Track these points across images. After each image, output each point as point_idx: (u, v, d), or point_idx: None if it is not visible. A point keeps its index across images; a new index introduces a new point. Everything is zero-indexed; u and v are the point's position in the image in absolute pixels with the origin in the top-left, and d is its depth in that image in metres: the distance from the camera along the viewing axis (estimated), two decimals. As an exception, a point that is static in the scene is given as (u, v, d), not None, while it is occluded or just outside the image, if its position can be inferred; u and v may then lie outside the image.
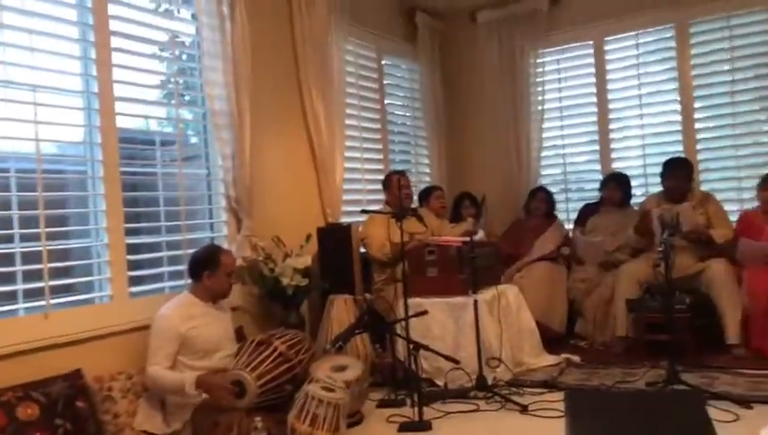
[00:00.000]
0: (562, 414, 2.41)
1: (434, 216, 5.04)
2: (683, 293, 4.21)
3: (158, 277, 3.63)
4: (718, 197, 4.78)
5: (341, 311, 4.08)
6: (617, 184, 5.20)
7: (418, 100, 6.01)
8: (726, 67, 5.13)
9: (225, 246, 3.90)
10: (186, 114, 4.04)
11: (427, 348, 3.59)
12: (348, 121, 4.97)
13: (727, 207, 4.77)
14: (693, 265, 4.45)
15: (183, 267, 3.51)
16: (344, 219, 4.74)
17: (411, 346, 3.51)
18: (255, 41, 4.07)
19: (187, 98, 4.07)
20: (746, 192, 4.99)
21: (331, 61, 4.72)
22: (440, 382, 3.97)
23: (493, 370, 3.93)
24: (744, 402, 3.30)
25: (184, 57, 4.10)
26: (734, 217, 4.72)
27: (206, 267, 3.21)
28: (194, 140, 4.14)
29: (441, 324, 4.05)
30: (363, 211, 4.39)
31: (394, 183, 4.36)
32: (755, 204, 4.64)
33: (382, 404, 3.74)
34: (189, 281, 3.30)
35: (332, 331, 3.96)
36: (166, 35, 3.79)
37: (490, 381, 3.83)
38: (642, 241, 4.62)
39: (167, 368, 3.02)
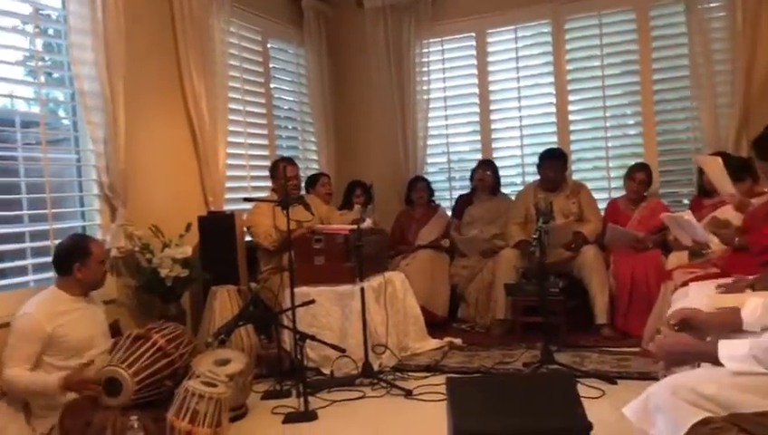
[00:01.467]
0: (445, 397, 2.47)
1: (321, 202, 5.01)
2: (557, 277, 4.44)
3: (21, 271, 3.37)
4: (589, 186, 5.08)
5: (225, 302, 3.97)
6: (487, 169, 5.39)
7: (305, 85, 5.92)
8: (597, 63, 5.42)
9: (99, 235, 3.70)
10: (56, 94, 3.74)
11: (313, 338, 3.57)
12: (231, 105, 4.81)
13: (597, 195, 5.08)
14: (565, 250, 4.70)
15: (50, 259, 3.26)
16: (228, 207, 4.60)
17: (297, 336, 3.48)
18: (130, 18, 3.84)
19: (55, 76, 3.78)
20: (615, 181, 5.33)
21: (213, 42, 4.54)
22: (327, 371, 3.97)
23: (378, 356, 3.97)
24: (610, 379, 3.54)
25: (50, 32, 3.80)
26: (603, 205, 5.04)
27: (75, 259, 3.00)
28: (65, 122, 3.85)
29: (328, 313, 4.04)
30: (246, 199, 4.28)
31: (281, 171, 4.28)
32: (623, 193, 4.98)
33: (267, 396, 3.68)
34: (56, 275, 3.08)
35: (215, 323, 3.84)
36: (29, 7, 3.50)
37: (376, 368, 3.87)
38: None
39: (27, 370, 2.80)
